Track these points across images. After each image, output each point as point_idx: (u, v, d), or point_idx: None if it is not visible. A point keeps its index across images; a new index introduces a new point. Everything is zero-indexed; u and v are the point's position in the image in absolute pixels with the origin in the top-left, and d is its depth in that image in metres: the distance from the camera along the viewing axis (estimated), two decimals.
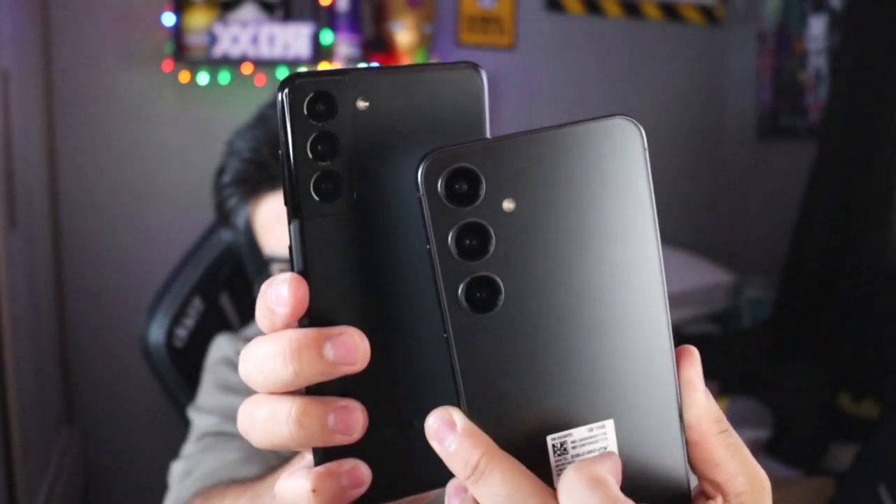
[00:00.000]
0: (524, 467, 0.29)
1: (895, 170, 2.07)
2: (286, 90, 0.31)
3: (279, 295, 0.32)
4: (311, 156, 0.32)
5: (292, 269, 0.32)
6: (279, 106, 0.31)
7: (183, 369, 1.05)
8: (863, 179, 2.11)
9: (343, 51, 2.09)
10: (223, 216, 0.84)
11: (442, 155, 0.29)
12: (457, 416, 0.30)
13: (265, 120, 0.80)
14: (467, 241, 0.29)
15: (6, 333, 1.49)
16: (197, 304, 1.08)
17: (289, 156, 0.32)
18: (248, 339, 0.88)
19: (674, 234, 2.68)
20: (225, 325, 1.10)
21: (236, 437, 0.78)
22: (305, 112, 0.31)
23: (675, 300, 1.78)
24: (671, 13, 2.73)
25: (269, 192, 0.79)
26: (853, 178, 2.13)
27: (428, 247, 0.29)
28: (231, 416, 0.80)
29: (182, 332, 1.07)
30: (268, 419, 0.32)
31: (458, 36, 2.46)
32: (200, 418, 0.82)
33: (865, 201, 2.11)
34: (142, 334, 1.07)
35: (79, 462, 2.14)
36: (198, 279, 1.09)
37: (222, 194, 0.81)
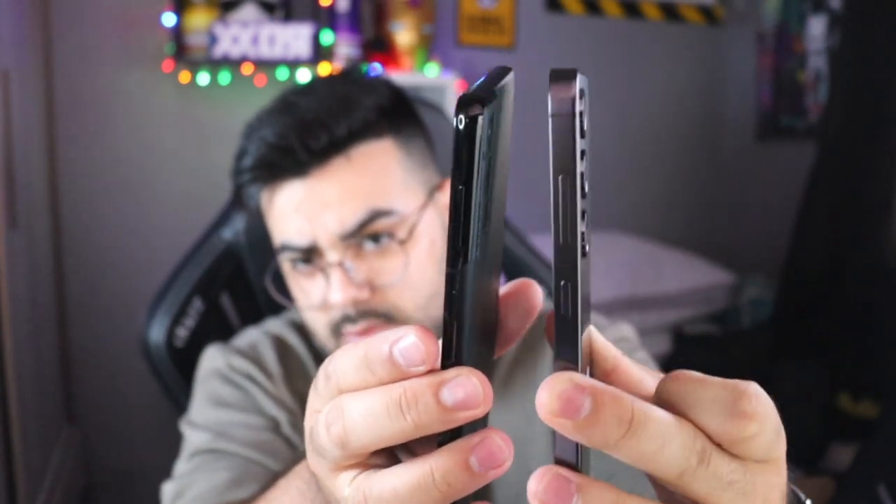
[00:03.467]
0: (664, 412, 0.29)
1: (895, 170, 2.07)
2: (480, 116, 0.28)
3: (413, 352, 0.29)
4: (482, 189, 0.29)
5: (450, 315, 0.30)
6: (469, 132, 0.28)
7: (183, 369, 1.05)
8: (862, 179, 2.11)
9: (343, 51, 2.09)
10: (239, 200, 0.83)
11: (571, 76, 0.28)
12: (577, 377, 0.28)
13: (293, 106, 0.78)
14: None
15: (7, 333, 1.49)
16: (197, 304, 1.08)
17: (472, 189, 0.29)
18: (242, 352, 0.87)
19: (674, 234, 2.68)
20: (225, 325, 1.10)
21: (228, 455, 0.77)
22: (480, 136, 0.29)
23: (675, 300, 1.79)
24: (671, 13, 2.73)
25: (290, 179, 0.77)
26: (853, 178, 2.13)
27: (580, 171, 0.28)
28: (223, 433, 0.80)
29: (182, 332, 1.07)
30: (408, 488, 0.29)
31: (458, 36, 2.46)
32: (193, 434, 0.82)
33: (865, 201, 2.11)
34: (142, 334, 1.07)
35: (79, 461, 2.14)
36: (198, 279, 1.09)
37: (242, 178, 0.80)
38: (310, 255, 0.78)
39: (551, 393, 0.27)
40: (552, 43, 2.58)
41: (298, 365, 0.88)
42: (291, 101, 0.80)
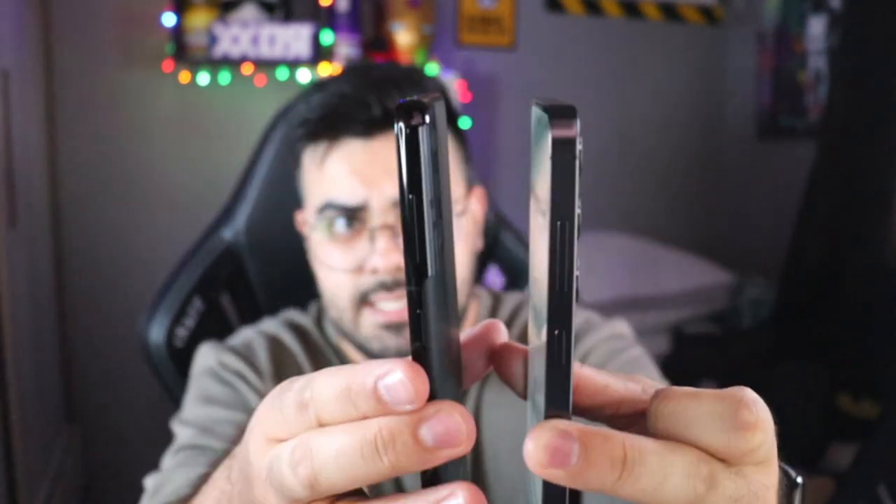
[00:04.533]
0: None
1: (895, 170, 2.07)
2: (418, 124, 0.27)
3: (400, 390, 0.27)
4: (433, 197, 0.28)
5: (418, 341, 0.28)
6: (407, 140, 0.27)
7: (183, 369, 1.05)
8: (862, 179, 2.11)
9: (343, 51, 2.09)
10: (293, 154, 0.83)
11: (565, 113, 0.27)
12: (562, 424, 0.26)
13: (370, 70, 0.80)
14: None
15: (7, 333, 1.49)
16: (197, 304, 1.08)
17: (422, 198, 0.27)
18: (234, 350, 0.87)
19: (674, 234, 2.68)
20: (225, 325, 1.10)
21: (210, 451, 0.77)
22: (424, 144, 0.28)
23: (674, 300, 1.79)
24: (671, 13, 2.73)
25: (352, 138, 0.76)
26: (853, 178, 2.13)
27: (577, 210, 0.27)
28: (208, 429, 0.79)
29: (182, 332, 1.07)
30: (350, 450, 0.28)
31: (458, 36, 2.46)
32: (180, 430, 0.81)
33: (865, 201, 2.11)
34: (142, 334, 1.07)
35: (79, 461, 2.14)
36: (198, 279, 1.09)
37: (306, 127, 0.79)
38: (354, 215, 0.77)
39: (537, 444, 0.26)
40: (552, 43, 2.58)
41: (293, 365, 0.87)
42: (366, 66, 0.80)
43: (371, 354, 0.82)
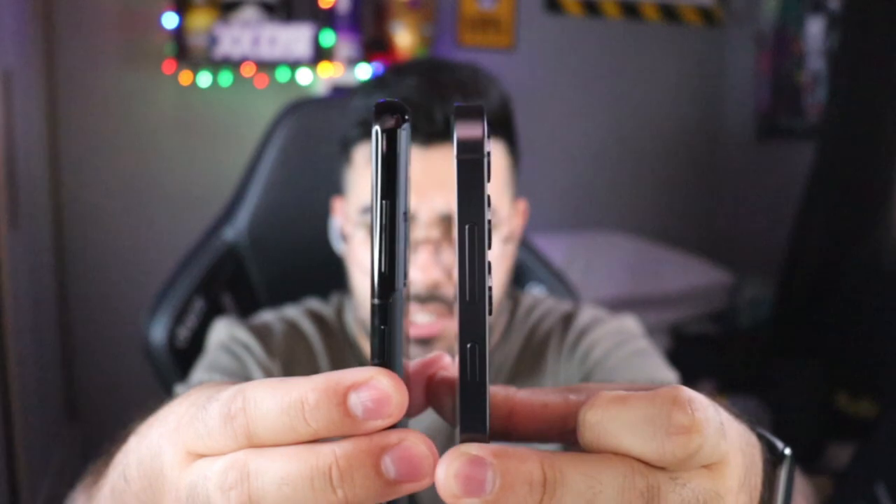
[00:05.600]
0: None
1: (893, 170, 2.08)
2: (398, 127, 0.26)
3: (381, 402, 0.24)
4: (405, 207, 0.26)
5: (380, 359, 0.26)
6: (386, 142, 0.25)
7: (184, 369, 1.06)
8: (861, 180, 2.12)
9: (343, 52, 2.10)
10: (346, 154, 0.80)
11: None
12: (473, 449, 0.24)
13: (438, 74, 0.76)
14: None
15: (9, 333, 1.50)
16: (199, 304, 1.08)
17: (397, 203, 0.26)
18: (249, 326, 0.86)
19: (673, 234, 2.68)
20: None
21: None
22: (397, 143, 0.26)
23: (674, 300, 1.79)
24: (670, 14, 2.74)
25: (439, 143, 0.74)
26: (851, 179, 2.13)
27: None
28: None
29: (184, 332, 1.07)
30: (299, 480, 0.24)
31: (458, 37, 2.47)
32: (181, 392, 0.82)
33: (863, 201, 2.12)
34: (143, 334, 1.07)
35: (81, 460, 2.14)
36: (199, 279, 1.09)
37: (359, 129, 0.77)
38: None
39: (447, 474, 0.23)
40: (551, 44, 2.58)
41: (307, 352, 0.87)
42: (432, 67, 0.77)
43: None
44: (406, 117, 0.25)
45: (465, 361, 0.25)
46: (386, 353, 0.26)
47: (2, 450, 1.46)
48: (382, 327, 0.26)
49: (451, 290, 0.75)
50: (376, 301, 0.26)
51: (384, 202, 0.25)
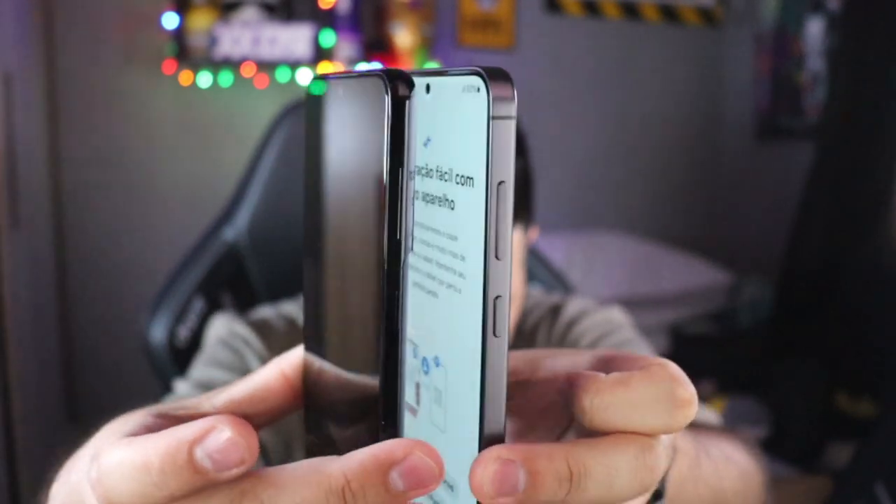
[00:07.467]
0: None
1: (893, 170, 2.08)
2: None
3: (230, 451, 0.23)
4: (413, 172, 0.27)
5: (390, 322, 0.26)
6: (401, 107, 0.26)
7: (184, 368, 1.06)
8: (861, 180, 2.12)
9: (344, 52, 2.10)
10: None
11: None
12: (504, 451, 0.25)
13: None
14: None
15: (9, 333, 1.50)
16: (199, 304, 1.08)
17: (405, 171, 0.26)
18: (248, 321, 0.87)
19: (673, 234, 2.69)
20: None
21: None
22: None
23: (673, 300, 1.79)
24: (669, 15, 2.74)
25: None
26: (851, 179, 2.13)
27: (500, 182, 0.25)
28: (205, 387, 0.79)
29: (184, 332, 1.07)
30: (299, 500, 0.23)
31: (458, 37, 2.47)
32: (180, 385, 0.82)
33: (863, 202, 2.12)
34: (144, 334, 1.08)
35: None
36: (199, 279, 1.09)
37: None
38: None
39: (482, 478, 0.24)
40: (551, 44, 2.58)
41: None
42: None
43: None
44: (413, 86, 0.26)
45: (487, 315, 0.25)
46: (398, 318, 0.26)
47: (2, 450, 1.46)
48: (396, 293, 0.26)
49: None
50: (386, 267, 0.26)
51: (395, 169, 0.26)
